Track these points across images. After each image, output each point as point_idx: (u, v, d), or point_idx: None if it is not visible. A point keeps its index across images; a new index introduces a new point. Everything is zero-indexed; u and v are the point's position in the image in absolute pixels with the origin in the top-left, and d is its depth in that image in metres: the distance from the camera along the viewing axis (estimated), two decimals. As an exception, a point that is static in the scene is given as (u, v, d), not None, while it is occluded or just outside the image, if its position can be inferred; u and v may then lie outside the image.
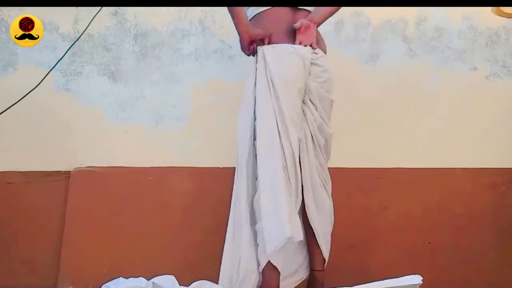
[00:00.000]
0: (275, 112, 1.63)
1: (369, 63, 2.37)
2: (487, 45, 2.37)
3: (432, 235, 2.18)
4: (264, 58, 1.68)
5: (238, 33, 1.71)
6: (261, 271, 1.59)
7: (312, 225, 1.71)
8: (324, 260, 1.75)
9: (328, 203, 1.77)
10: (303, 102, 1.72)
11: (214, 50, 2.39)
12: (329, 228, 1.77)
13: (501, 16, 2.23)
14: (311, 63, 1.71)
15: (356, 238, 2.16)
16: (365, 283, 1.57)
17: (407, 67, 2.36)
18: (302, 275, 1.77)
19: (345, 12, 2.40)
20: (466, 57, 2.36)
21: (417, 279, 1.54)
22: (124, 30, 2.42)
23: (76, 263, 2.16)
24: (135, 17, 2.43)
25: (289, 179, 1.61)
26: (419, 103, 2.33)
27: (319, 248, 1.73)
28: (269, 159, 1.60)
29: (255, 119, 1.66)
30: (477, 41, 2.38)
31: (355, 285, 1.59)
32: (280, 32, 1.72)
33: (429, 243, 2.17)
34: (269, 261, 1.57)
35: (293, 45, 1.70)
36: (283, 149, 1.61)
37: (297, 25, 1.70)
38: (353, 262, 2.12)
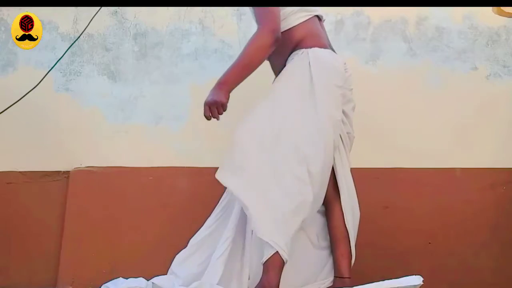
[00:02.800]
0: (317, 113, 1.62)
1: (369, 63, 2.37)
2: (488, 45, 2.37)
3: (432, 235, 2.17)
4: (309, 62, 1.66)
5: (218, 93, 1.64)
6: (263, 262, 1.57)
7: (347, 225, 1.70)
8: (350, 266, 1.72)
9: (358, 205, 1.78)
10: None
11: (214, 50, 2.39)
12: (357, 231, 1.77)
13: (502, 15, 2.23)
14: (345, 71, 1.76)
15: (356, 238, 2.16)
16: (365, 283, 1.57)
17: (407, 67, 2.36)
18: (326, 282, 1.72)
19: (345, 12, 2.40)
20: (467, 57, 2.36)
21: (417, 279, 1.54)
22: (123, 29, 2.42)
23: (76, 263, 2.16)
24: (135, 17, 2.43)
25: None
26: (419, 103, 2.32)
27: (349, 252, 1.71)
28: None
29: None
30: (478, 40, 2.37)
31: (355, 285, 1.58)
32: (322, 39, 1.76)
33: (429, 243, 2.17)
34: (272, 256, 1.55)
35: (333, 53, 1.76)
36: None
37: None
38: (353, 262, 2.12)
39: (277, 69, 1.79)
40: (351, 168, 2.20)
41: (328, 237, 1.75)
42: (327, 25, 2.34)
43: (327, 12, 2.32)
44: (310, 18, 1.77)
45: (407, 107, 2.32)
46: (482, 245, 2.16)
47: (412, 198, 2.21)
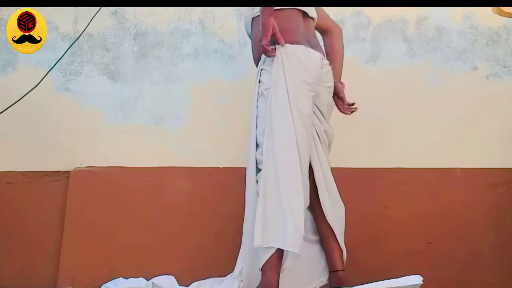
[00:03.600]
0: (291, 111, 1.63)
1: (369, 63, 2.37)
2: (488, 45, 2.37)
3: (433, 235, 2.17)
4: (282, 58, 1.68)
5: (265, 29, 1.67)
6: (260, 268, 1.59)
7: (329, 223, 1.72)
8: (343, 259, 1.74)
9: (340, 199, 1.79)
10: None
11: (214, 50, 2.39)
12: (343, 225, 1.78)
13: (502, 15, 2.23)
14: (321, 68, 1.76)
15: (356, 238, 2.15)
16: (365, 283, 1.57)
17: (407, 67, 2.36)
18: (322, 279, 1.74)
19: (345, 11, 2.40)
20: (467, 57, 2.36)
21: (417, 279, 1.54)
22: (123, 29, 2.42)
23: (76, 263, 2.15)
24: (135, 17, 2.43)
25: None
26: (419, 103, 2.32)
27: (338, 246, 1.73)
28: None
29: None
30: (478, 40, 2.37)
31: (356, 285, 1.58)
32: (295, 33, 1.75)
33: (429, 243, 2.16)
34: (268, 259, 1.57)
35: (308, 48, 1.74)
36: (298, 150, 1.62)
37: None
38: (353, 262, 2.11)
39: (256, 56, 1.84)
40: (351, 168, 2.21)
41: (317, 231, 1.77)
42: (327, 25, 2.34)
43: (327, 12, 2.33)
44: (288, 9, 1.76)
45: (407, 107, 2.32)
46: (482, 245, 2.16)
47: (412, 198, 2.21)
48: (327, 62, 1.82)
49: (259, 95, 1.72)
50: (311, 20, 1.85)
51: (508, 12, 2.20)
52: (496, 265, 2.14)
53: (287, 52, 1.69)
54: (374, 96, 2.32)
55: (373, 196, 2.21)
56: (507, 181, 2.22)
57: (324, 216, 1.71)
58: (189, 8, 2.41)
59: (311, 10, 1.84)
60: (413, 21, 2.40)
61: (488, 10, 2.29)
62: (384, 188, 2.22)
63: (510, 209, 2.19)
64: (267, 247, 1.57)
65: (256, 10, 1.79)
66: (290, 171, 1.60)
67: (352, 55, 2.36)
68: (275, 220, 1.56)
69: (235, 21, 2.39)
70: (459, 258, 2.14)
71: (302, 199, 1.59)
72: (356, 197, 2.20)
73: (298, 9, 1.79)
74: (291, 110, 1.64)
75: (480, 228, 2.18)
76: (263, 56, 1.75)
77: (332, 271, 1.72)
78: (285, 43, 1.70)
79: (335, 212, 1.75)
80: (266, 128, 1.65)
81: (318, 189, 1.72)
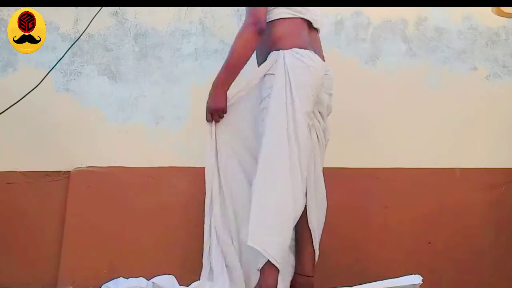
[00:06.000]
0: (293, 112, 1.64)
1: (369, 63, 2.37)
2: (487, 45, 2.37)
3: (432, 235, 2.18)
4: (285, 62, 1.68)
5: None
6: (259, 269, 1.59)
7: (311, 228, 1.72)
8: (314, 264, 1.75)
9: (325, 198, 1.79)
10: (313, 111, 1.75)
11: (214, 50, 2.39)
12: (322, 227, 1.78)
13: (501, 16, 2.23)
14: (325, 74, 1.77)
15: (356, 238, 2.16)
16: (365, 283, 1.57)
17: (407, 67, 2.36)
18: (291, 277, 1.74)
19: (345, 12, 2.40)
20: (466, 57, 2.36)
21: (417, 279, 1.54)
22: (124, 30, 2.42)
23: (76, 263, 2.16)
24: (135, 17, 2.43)
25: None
26: (418, 103, 2.33)
27: (313, 251, 1.73)
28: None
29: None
30: (477, 41, 2.38)
31: (355, 285, 1.59)
32: (301, 38, 1.76)
33: (429, 243, 2.17)
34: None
35: (313, 53, 1.75)
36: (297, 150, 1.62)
37: None
38: (353, 262, 2.12)
39: (260, 62, 1.82)
40: (351, 168, 2.22)
41: (295, 231, 1.75)
42: (327, 25, 2.35)
43: (327, 13, 2.34)
44: (293, 18, 1.77)
45: (407, 107, 2.32)
46: (482, 245, 2.16)
47: (412, 198, 2.21)
48: (331, 71, 1.82)
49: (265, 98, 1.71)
50: (315, 31, 1.87)
51: (507, 13, 2.20)
52: (496, 265, 2.14)
53: (292, 55, 1.69)
54: (373, 96, 2.32)
55: (373, 196, 2.21)
56: (507, 181, 2.22)
57: (307, 220, 1.71)
58: (189, 8, 2.41)
59: (316, 21, 1.85)
60: (412, 22, 2.40)
61: (487, 11, 2.29)
62: (384, 188, 2.22)
63: (510, 209, 2.20)
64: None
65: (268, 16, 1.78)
66: (286, 174, 1.59)
67: (352, 55, 2.36)
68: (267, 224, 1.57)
69: (235, 21, 2.40)
70: (459, 258, 2.14)
71: (292, 204, 1.58)
72: (356, 197, 2.20)
73: (303, 19, 1.80)
74: (293, 110, 1.63)
75: (480, 228, 2.18)
76: (267, 63, 1.73)
77: (301, 274, 1.72)
78: (292, 47, 1.70)
79: (318, 216, 1.75)
80: (265, 128, 1.65)
81: (307, 194, 1.71)
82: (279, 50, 1.71)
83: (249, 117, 1.75)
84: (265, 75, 1.73)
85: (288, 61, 1.68)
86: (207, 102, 1.75)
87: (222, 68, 1.75)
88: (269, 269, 1.57)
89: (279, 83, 1.67)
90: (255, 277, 1.62)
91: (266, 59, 1.75)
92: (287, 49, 1.70)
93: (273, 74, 1.70)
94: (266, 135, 1.64)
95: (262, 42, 1.73)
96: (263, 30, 1.70)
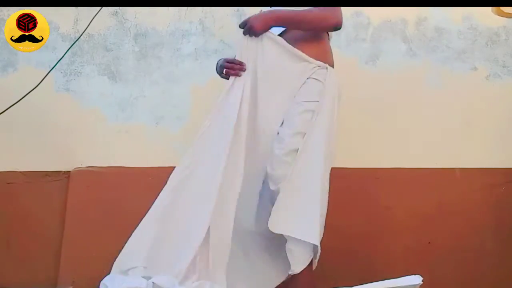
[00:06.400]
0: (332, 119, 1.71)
1: (369, 63, 2.37)
2: (487, 45, 2.37)
3: (432, 235, 2.18)
4: (334, 81, 1.74)
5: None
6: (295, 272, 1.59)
7: None
8: None
9: None
10: None
11: (214, 50, 2.39)
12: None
13: (501, 16, 2.24)
14: None
15: (356, 238, 2.16)
16: (365, 283, 1.57)
17: (407, 67, 2.36)
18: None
19: (345, 12, 2.39)
20: (466, 57, 2.36)
21: (417, 279, 1.54)
22: (124, 30, 2.42)
23: (76, 263, 2.16)
24: (135, 17, 2.43)
25: None
26: (418, 103, 2.33)
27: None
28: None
29: None
30: (477, 41, 2.38)
31: (355, 285, 1.58)
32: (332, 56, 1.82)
33: (429, 243, 2.17)
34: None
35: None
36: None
37: None
38: (353, 262, 2.12)
39: (292, 43, 1.75)
40: (351, 168, 2.22)
41: None
42: (327, 25, 2.34)
43: (327, 13, 2.32)
44: (325, 33, 1.83)
45: (406, 108, 2.33)
46: (482, 245, 2.16)
47: (412, 198, 2.21)
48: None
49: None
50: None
51: (507, 13, 2.21)
52: (496, 265, 2.14)
53: (331, 73, 1.73)
54: (373, 96, 2.32)
55: (373, 196, 2.21)
56: (507, 181, 2.22)
57: None
58: (189, 8, 2.41)
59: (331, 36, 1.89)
60: (412, 22, 2.40)
61: (487, 11, 2.30)
62: (384, 188, 2.22)
63: (510, 209, 2.20)
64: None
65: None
66: (320, 173, 1.62)
67: (352, 55, 2.36)
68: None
69: (235, 21, 2.39)
70: (459, 258, 2.14)
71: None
72: (356, 197, 2.20)
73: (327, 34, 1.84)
74: (332, 118, 1.70)
75: (480, 228, 2.18)
76: (312, 67, 1.72)
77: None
78: (329, 65, 1.75)
79: None
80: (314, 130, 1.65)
81: None
82: (326, 64, 1.73)
83: (272, 98, 1.72)
84: (308, 78, 1.71)
85: (337, 81, 1.74)
86: (249, 20, 1.68)
87: (288, 11, 1.71)
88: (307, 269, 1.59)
89: (331, 102, 1.71)
90: (255, 277, 1.61)
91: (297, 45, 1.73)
92: (331, 66, 1.76)
93: (319, 80, 1.70)
94: (314, 139, 1.65)
95: (310, 36, 1.75)
96: (337, 27, 1.79)
